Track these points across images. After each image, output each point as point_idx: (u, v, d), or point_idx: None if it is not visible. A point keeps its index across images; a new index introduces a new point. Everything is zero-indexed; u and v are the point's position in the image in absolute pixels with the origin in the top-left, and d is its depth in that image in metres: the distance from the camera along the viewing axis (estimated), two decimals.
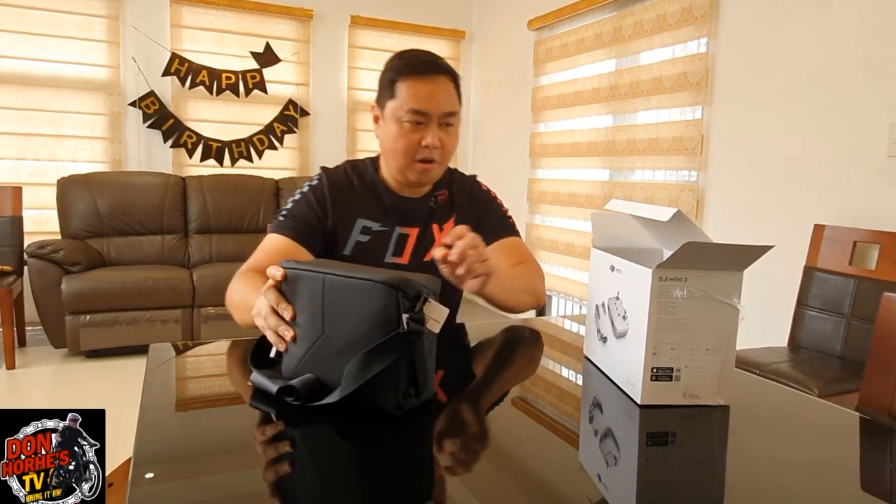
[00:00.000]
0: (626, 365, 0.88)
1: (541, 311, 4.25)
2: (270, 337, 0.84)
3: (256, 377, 0.84)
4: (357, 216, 1.29)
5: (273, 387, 0.80)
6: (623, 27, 3.30)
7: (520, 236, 1.41)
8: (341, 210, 1.28)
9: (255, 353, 0.90)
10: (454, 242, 0.98)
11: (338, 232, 1.28)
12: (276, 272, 0.83)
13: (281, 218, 1.27)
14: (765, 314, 2.47)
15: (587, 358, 1.05)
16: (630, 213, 0.96)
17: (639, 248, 1.02)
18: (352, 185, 1.32)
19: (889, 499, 0.68)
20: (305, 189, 1.31)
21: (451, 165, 1.40)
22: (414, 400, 0.79)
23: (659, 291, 0.81)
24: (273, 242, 1.24)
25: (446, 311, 0.79)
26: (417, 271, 1.23)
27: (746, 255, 0.80)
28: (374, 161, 1.36)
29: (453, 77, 1.25)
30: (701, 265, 0.81)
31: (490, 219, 1.37)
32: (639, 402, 0.84)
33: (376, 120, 1.29)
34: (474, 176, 1.45)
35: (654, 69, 3.11)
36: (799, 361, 2.11)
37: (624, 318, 0.89)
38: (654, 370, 0.84)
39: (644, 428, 0.82)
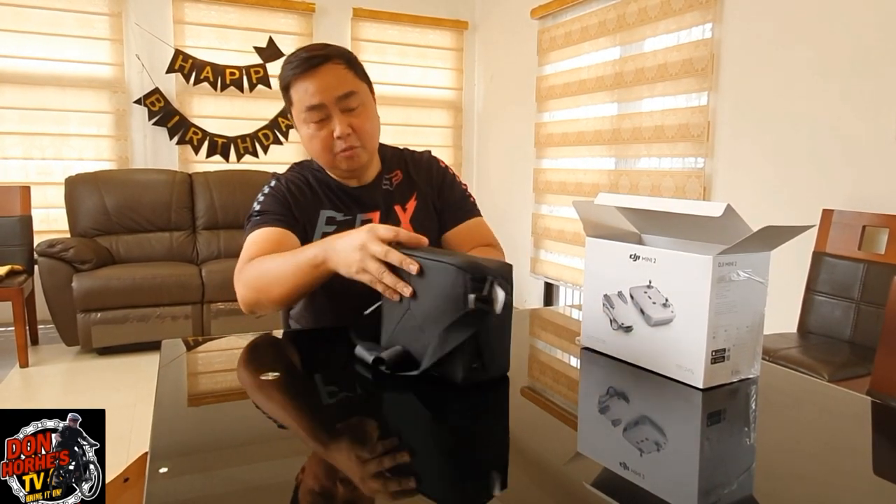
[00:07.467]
0: (676, 351, 0.89)
1: (548, 301, 4.25)
2: (382, 289, 0.92)
3: (359, 349, 0.95)
4: (319, 209, 1.29)
5: (369, 357, 0.91)
6: (627, 14, 3.28)
7: (481, 215, 1.40)
8: (302, 206, 1.27)
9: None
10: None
11: (304, 227, 1.26)
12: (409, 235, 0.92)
13: (256, 218, 1.24)
14: (774, 300, 2.44)
15: (588, 349, 1.04)
16: (636, 205, 0.96)
17: (622, 233, 1.04)
18: (307, 181, 1.31)
19: None
20: (266, 191, 1.29)
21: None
22: (482, 373, 0.85)
23: (718, 276, 0.84)
24: (262, 235, 1.20)
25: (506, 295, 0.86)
26: None
27: (783, 234, 0.84)
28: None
29: (343, 58, 1.21)
30: (748, 248, 0.84)
31: (452, 198, 1.37)
32: (701, 386, 0.86)
33: (297, 128, 1.27)
34: (429, 152, 1.44)
35: (658, 56, 3.08)
36: (808, 347, 2.10)
37: (665, 305, 0.89)
38: (714, 353, 0.86)
39: (706, 409, 0.84)
